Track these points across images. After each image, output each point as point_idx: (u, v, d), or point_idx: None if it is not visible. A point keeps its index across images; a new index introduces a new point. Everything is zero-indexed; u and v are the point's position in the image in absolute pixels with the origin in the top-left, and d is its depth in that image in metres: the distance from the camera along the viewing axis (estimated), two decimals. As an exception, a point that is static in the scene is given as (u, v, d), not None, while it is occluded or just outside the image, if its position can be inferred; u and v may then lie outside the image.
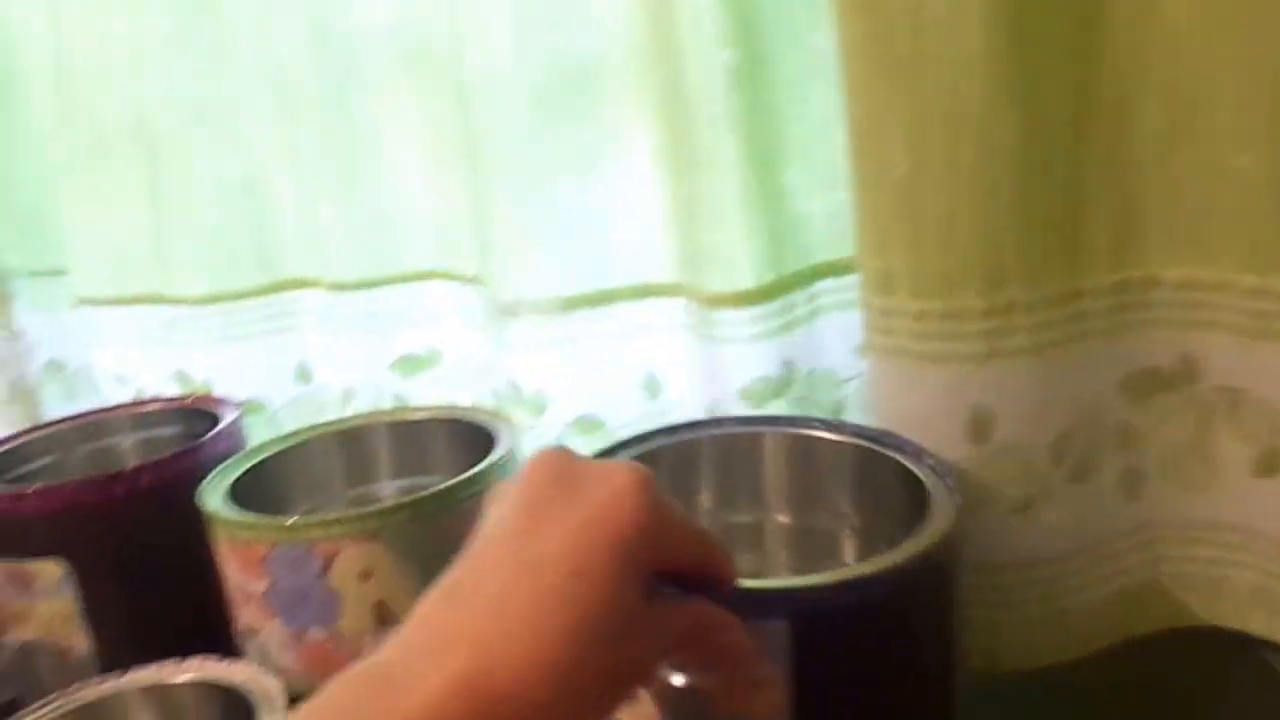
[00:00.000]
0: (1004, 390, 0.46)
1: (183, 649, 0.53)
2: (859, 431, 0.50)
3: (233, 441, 0.65)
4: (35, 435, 0.68)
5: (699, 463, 0.53)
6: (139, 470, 0.59)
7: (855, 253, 0.49)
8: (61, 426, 0.69)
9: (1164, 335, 0.46)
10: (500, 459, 0.54)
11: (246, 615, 0.53)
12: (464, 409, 0.62)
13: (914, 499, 0.44)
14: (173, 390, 0.76)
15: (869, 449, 0.49)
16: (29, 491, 0.58)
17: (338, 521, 0.49)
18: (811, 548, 0.53)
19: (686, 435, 0.53)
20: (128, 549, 0.59)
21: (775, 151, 0.53)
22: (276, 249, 0.72)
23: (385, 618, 0.50)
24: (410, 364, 0.71)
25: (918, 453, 0.47)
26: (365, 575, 0.50)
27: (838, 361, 0.57)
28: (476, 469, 0.53)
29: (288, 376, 0.75)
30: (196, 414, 0.71)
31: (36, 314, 0.82)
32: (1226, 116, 0.42)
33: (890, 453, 0.48)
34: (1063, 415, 0.46)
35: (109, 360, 0.78)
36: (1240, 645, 0.48)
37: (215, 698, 0.46)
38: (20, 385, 0.83)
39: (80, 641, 0.60)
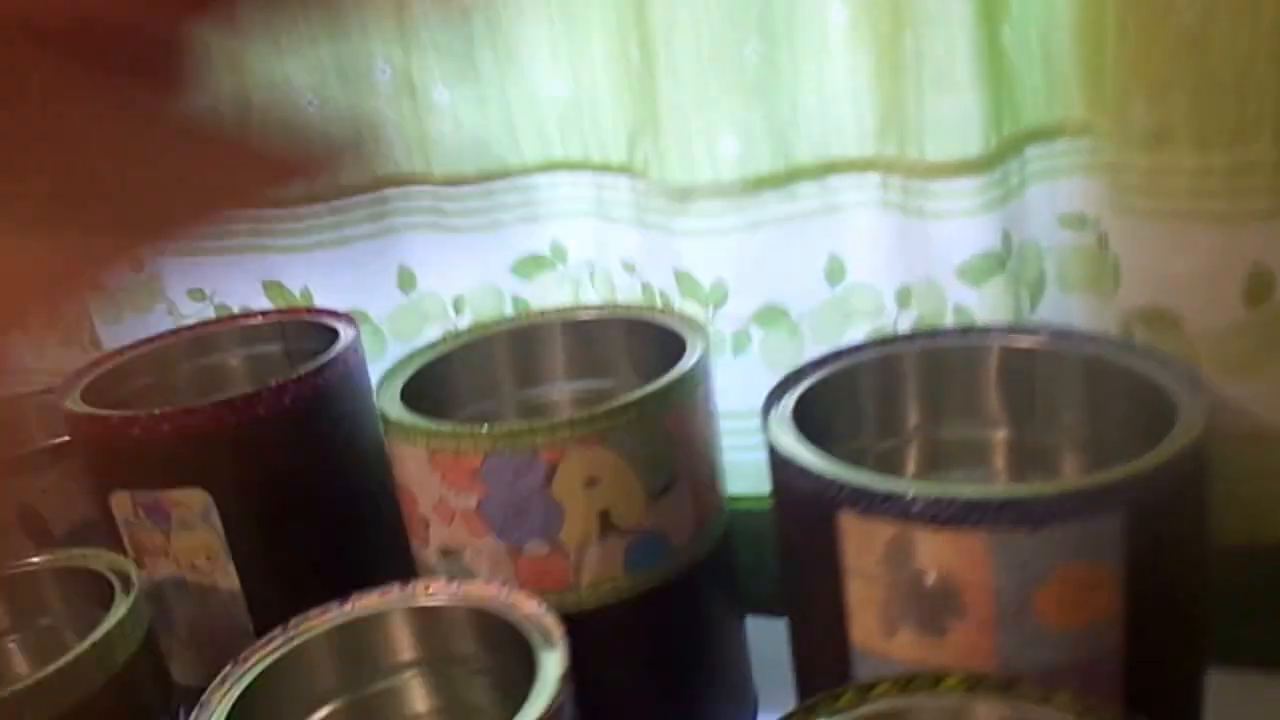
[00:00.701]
0: (1292, 248, 0.43)
1: (333, 579, 0.49)
2: (1083, 338, 0.47)
3: (357, 355, 0.60)
4: (133, 354, 0.62)
5: (906, 377, 0.50)
6: (281, 388, 0.54)
7: (1108, 109, 0.45)
8: (161, 344, 0.63)
9: None
10: (702, 355, 0.50)
11: (445, 533, 0.48)
12: (639, 307, 0.57)
13: (1144, 401, 0.42)
14: (259, 304, 0.70)
15: (1095, 356, 0.46)
16: (165, 414, 0.53)
17: (566, 424, 0.45)
18: (1030, 464, 0.50)
19: (893, 349, 0.50)
20: (271, 474, 0.54)
21: (997, 6, 0.49)
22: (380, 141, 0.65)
23: (607, 527, 0.47)
24: (533, 264, 0.65)
25: (1146, 354, 0.44)
26: (591, 482, 0.46)
27: (1039, 232, 0.53)
28: (687, 365, 0.49)
29: (389, 284, 0.69)
30: (294, 327, 0.65)
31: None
32: None
33: (1118, 358, 0.45)
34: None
35: (180, 274, 0.71)
36: None
37: (480, 624, 0.42)
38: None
39: (224, 575, 0.55)
